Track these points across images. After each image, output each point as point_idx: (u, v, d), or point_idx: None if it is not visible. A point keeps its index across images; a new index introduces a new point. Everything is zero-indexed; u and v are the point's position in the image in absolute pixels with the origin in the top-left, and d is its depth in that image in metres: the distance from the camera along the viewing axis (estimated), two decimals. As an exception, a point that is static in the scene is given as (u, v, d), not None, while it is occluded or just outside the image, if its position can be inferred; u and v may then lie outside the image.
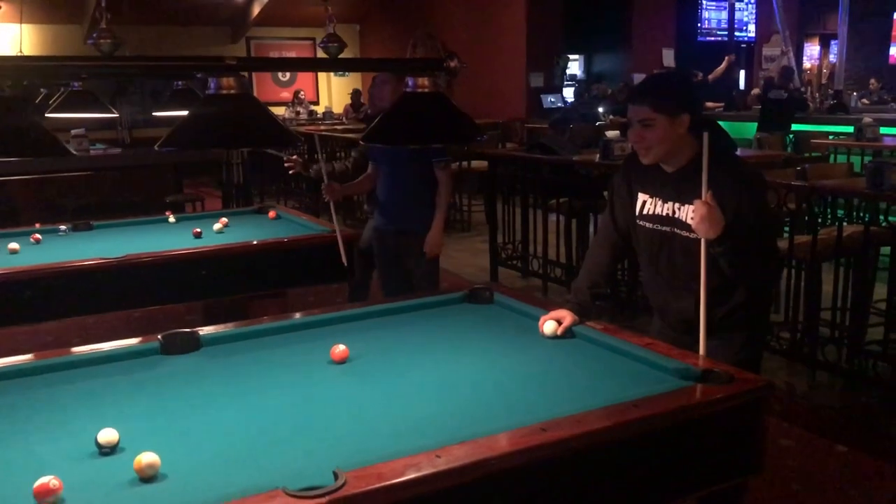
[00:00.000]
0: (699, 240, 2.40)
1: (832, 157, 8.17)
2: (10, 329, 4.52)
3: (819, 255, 4.42)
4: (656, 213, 2.59)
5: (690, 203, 2.42)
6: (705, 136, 2.32)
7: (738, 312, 2.56)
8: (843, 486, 3.32)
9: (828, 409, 4.11)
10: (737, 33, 14.91)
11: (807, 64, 15.58)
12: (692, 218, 2.40)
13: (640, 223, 2.65)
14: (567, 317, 2.55)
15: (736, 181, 2.43)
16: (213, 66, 1.92)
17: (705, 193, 2.33)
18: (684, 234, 2.51)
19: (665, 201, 2.56)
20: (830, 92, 12.37)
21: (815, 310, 4.49)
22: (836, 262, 4.55)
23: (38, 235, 4.45)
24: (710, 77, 11.14)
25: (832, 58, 16.74)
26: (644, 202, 2.63)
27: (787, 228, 4.80)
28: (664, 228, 2.58)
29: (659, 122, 2.43)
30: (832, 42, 16.76)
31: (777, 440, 3.63)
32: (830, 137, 8.84)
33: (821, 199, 4.70)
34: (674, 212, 2.54)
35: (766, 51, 14.28)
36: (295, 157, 4.75)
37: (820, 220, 4.92)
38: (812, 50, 16.25)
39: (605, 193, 2.95)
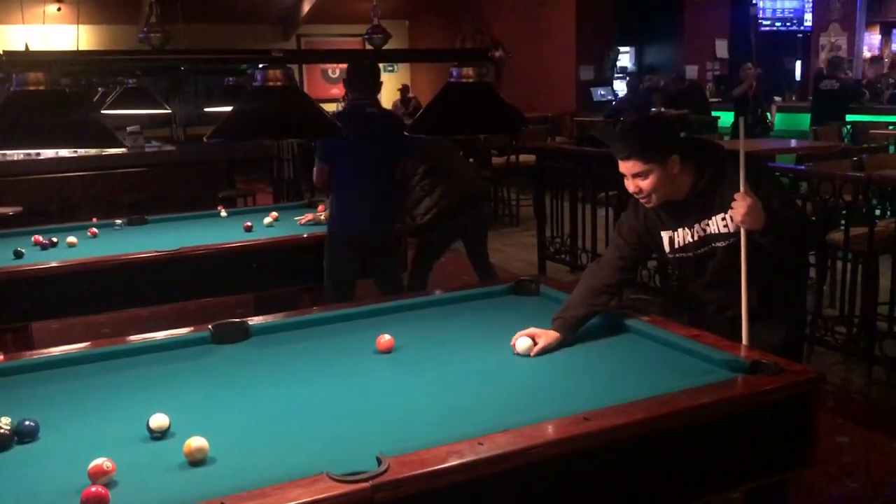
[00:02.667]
0: (738, 242, 2.39)
1: (891, 147, 7.93)
2: (68, 320, 4.67)
3: (876, 247, 4.32)
4: (688, 242, 2.56)
5: (717, 213, 2.45)
6: (741, 121, 2.35)
7: (780, 296, 2.56)
8: (900, 483, 3.24)
9: (885, 405, 4.00)
10: (794, 23, 14.56)
11: (867, 53, 15.08)
12: (724, 226, 2.43)
13: (675, 256, 2.61)
14: (545, 338, 2.38)
15: (751, 171, 2.42)
16: (260, 58, 1.95)
17: (743, 185, 2.32)
18: (723, 244, 2.49)
19: (691, 227, 2.54)
20: (891, 81, 11.96)
21: (872, 304, 4.38)
22: (893, 255, 4.43)
23: (94, 229, 4.58)
24: (734, 94, 10.34)
25: (894, 46, 16.20)
26: (670, 238, 2.59)
27: (843, 221, 4.68)
28: (702, 250, 2.55)
29: (652, 171, 2.43)
30: (894, 30, 16.23)
31: (833, 436, 3.55)
32: (890, 128, 8.58)
33: (878, 191, 4.57)
34: (704, 230, 2.52)
35: (823, 40, 13.91)
36: (306, 216, 4.66)
37: (878, 212, 4.79)
38: (873, 39, 15.74)
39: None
